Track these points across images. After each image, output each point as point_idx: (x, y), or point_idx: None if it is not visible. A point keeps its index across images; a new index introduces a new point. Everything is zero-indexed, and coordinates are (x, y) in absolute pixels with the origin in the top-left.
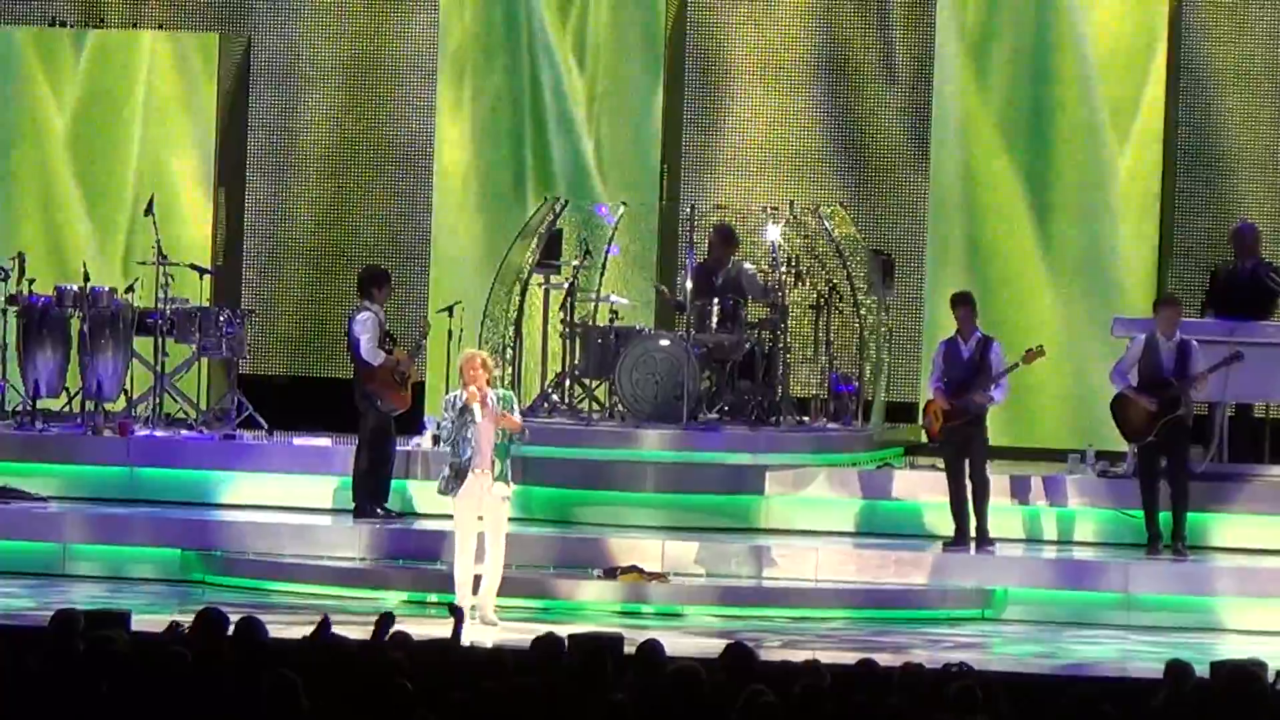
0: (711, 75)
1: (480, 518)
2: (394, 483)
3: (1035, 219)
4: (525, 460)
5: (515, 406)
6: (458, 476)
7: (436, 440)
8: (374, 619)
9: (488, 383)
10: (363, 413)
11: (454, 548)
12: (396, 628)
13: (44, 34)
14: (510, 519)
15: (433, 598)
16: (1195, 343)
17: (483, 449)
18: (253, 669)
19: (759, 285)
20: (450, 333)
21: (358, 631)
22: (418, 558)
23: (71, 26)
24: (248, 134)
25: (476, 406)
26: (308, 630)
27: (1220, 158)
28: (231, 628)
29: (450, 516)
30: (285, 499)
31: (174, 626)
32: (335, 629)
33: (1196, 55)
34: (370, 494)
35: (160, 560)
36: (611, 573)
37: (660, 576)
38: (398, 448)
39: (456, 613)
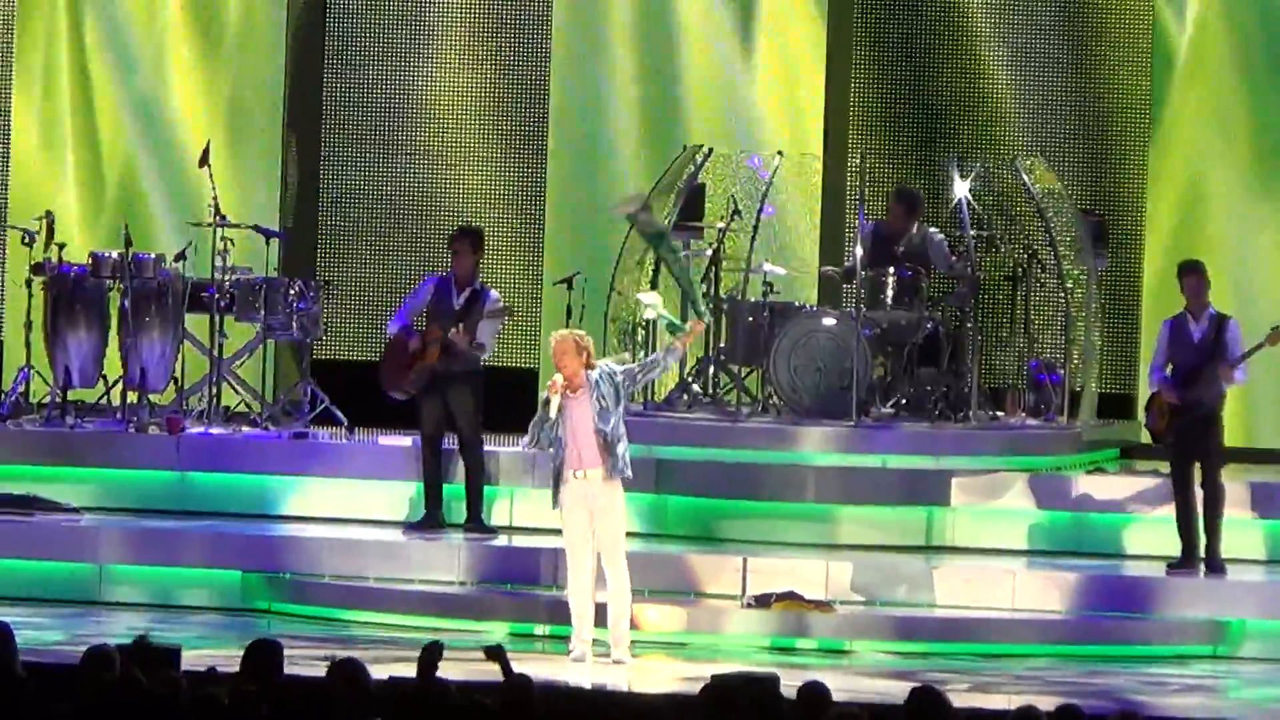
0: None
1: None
2: (489, 491)
3: (1270, 174)
4: (659, 463)
5: (623, 370)
6: (558, 485)
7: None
8: (479, 654)
9: (588, 366)
10: None
11: (566, 570)
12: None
13: None
14: (642, 534)
15: (541, 629)
16: None
17: (579, 445)
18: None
19: (946, 254)
20: (569, 310)
21: (457, 671)
22: (525, 581)
23: None
24: (324, 74)
25: (555, 399)
26: (397, 669)
27: None
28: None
29: (557, 531)
30: (368, 510)
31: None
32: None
33: None
34: (428, 500)
35: (217, 584)
36: (764, 600)
37: (823, 605)
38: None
39: (496, 654)
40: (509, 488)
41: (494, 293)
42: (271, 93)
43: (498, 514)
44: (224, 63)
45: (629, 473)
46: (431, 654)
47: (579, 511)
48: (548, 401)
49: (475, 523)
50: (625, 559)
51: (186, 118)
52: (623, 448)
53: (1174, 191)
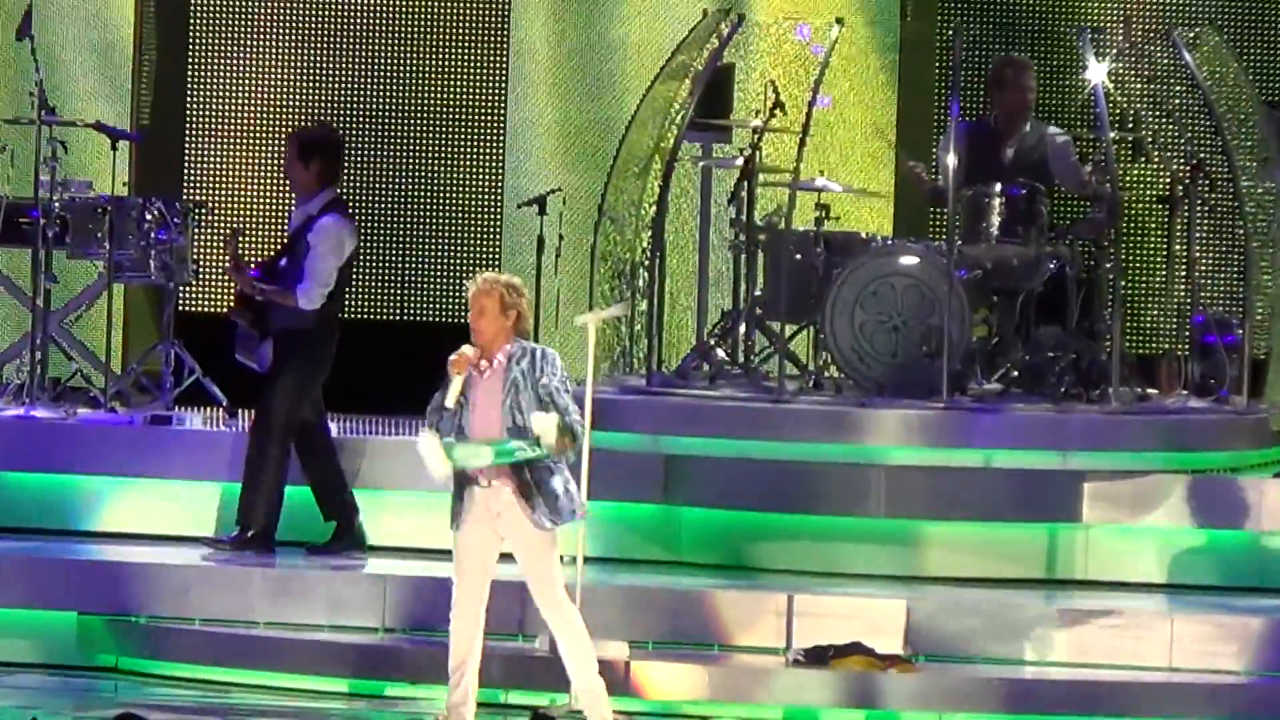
0: None
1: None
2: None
3: None
4: (669, 461)
5: (560, 374)
6: (458, 496)
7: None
8: None
9: (515, 331)
10: None
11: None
12: None
13: None
14: (644, 561)
15: (504, 696)
16: None
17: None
18: None
19: (1074, 164)
20: (541, 242)
21: None
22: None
23: None
24: None
25: (456, 380)
26: None
27: None
28: None
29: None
30: None
31: None
32: None
33: None
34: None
35: (43, 631)
36: (819, 655)
37: (901, 662)
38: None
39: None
40: (443, 496)
41: (328, 217)
42: None
43: (422, 534)
44: None
45: (580, 511)
46: None
47: (478, 527)
48: (447, 382)
49: (236, 536)
50: (563, 592)
51: None
52: (560, 483)
53: None
